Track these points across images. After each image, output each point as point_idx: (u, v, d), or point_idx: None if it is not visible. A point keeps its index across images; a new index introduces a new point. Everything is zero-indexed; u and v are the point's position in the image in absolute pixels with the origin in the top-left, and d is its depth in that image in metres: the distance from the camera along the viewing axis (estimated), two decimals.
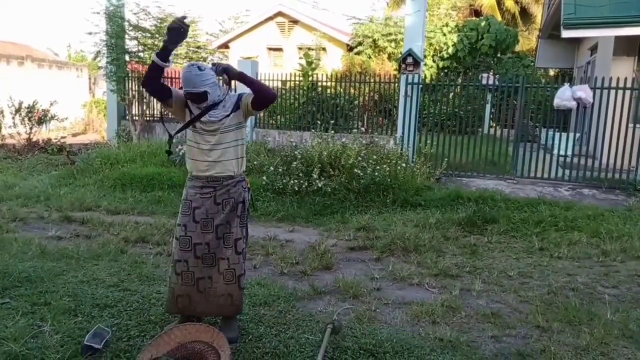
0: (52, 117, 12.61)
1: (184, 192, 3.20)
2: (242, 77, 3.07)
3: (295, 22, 19.91)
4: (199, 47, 22.57)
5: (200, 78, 2.95)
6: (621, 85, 7.88)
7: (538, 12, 22.72)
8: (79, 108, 18.13)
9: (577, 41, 13.79)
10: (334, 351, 3.10)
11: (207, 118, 3.06)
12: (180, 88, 3.09)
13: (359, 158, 7.44)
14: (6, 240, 5.05)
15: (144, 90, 3.05)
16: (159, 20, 11.17)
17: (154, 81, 2.99)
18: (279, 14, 19.90)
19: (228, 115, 3.08)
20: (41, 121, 12.26)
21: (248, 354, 3.00)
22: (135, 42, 11.23)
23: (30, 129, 11.89)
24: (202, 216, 3.09)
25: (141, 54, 11.33)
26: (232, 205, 3.13)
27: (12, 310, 3.47)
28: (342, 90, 10.68)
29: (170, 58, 2.91)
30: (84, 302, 3.65)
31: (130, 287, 4.00)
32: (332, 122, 9.17)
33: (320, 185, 7.12)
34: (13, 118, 11.81)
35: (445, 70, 17.71)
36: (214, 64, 3.04)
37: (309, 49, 15.93)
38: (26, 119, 11.84)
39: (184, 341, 2.86)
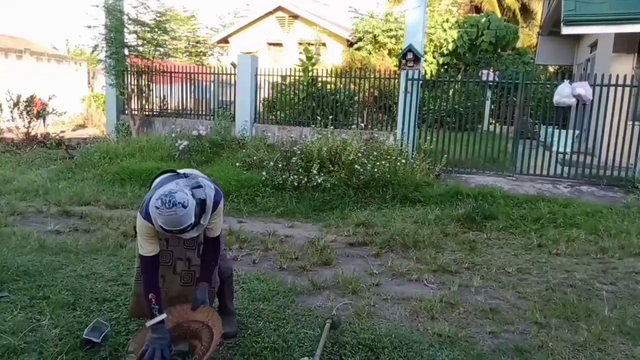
0: (51, 112, 12.59)
1: None
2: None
3: (295, 17, 19.85)
4: (198, 42, 22.59)
5: (187, 215, 2.44)
6: (621, 82, 7.88)
7: (538, 9, 22.69)
8: (78, 102, 18.10)
9: (577, 38, 13.77)
10: (333, 346, 3.10)
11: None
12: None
13: (359, 154, 7.44)
14: (5, 234, 5.05)
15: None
16: (158, 14, 11.15)
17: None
18: (279, 8, 19.83)
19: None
20: (40, 115, 12.24)
21: (247, 348, 3.00)
22: (135, 35, 11.20)
23: (29, 122, 11.87)
24: None
25: (140, 48, 11.30)
26: None
27: (11, 303, 3.47)
28: (342, 85, 10.67)
29: None
30: (82, 296, 3.65)
31: (129, 281, 3.99)
32: (331, 117, 9.16)
33: (319, 181, 7.11)
34: (11, 112, 11.78)
35: (445, 67, 17.69)
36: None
37: (309, 44, 15.90)
38: (24, 112, 11.81)
39: (181, 321, 2.86)
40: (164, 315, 2.68)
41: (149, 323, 2.66)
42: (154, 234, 2.67)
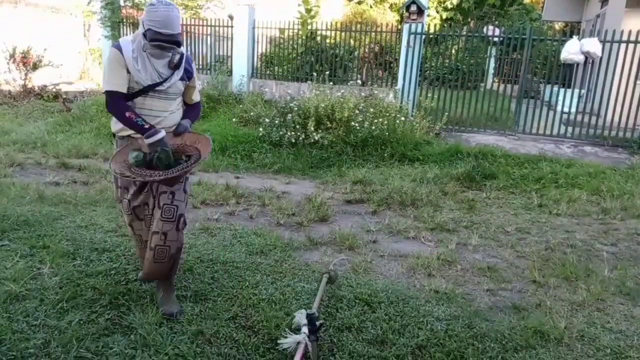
0: (47, 64, 12.34)
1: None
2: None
3: None
4: None
5: (178, 20, 2.63)
6: (632, 38, 7.62)
7: None
8: (74, 55, 17.74)
9: None
10: (330, 299, 3.12)
11: (168, 80, 2.77)
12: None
13: (357, 111, 7.32)
14: (4, 185, 5.03)
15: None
16: None
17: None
18: None
19: (183, 80, 2.86)
20: (36, 67, 12.02)
21: (245, 300, 3.02)
22: None
23: (26, 75, 11.67)
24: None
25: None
26: None
27: (11, 252, 3.48)
28: (341, 40, 10.41)
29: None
30: (82, 246, 3.66)
31: (127, 232, 3.99)
32: (327, 73, 8.97)
33: (317, 138, 7.04)
34: (8, 64, 11.57)
35: (449, 22, 17.27)
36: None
37: None
38: (21, 64, 11.60)
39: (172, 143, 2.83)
40: (163, 133, 2.68)
41: (150, 140, 2.63)
42: (122, 67, 2.66)
